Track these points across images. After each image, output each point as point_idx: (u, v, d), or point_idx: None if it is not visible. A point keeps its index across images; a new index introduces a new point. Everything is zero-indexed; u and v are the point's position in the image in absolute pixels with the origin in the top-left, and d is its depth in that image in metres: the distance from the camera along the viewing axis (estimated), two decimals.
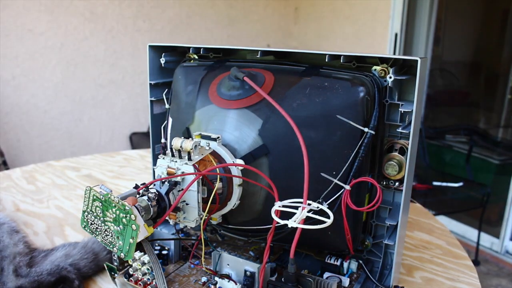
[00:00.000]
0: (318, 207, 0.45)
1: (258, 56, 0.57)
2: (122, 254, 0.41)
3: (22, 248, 0.58)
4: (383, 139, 0.54)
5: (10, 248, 0.57)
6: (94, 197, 0.41)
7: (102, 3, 2.46)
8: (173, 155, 0.46)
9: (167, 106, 0.64)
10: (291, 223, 0.42)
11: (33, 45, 2.33)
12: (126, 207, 0.39)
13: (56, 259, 0.58)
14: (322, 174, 0.49)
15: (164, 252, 0.59)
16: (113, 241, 0.41)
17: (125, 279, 0.54)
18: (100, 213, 0.41)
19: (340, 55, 0.52)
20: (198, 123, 0.55)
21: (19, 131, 2.41)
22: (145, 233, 0.40)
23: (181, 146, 0.45)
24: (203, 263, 0.55)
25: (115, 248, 0.41)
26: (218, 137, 0.50)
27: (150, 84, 0.65)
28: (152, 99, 0.66)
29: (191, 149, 0.45)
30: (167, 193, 0.44)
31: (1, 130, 2.32)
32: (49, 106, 2.46)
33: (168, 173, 0.45)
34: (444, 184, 2.11)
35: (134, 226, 0.39)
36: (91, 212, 0.42)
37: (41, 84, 2.41)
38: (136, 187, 0.44)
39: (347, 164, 0.49)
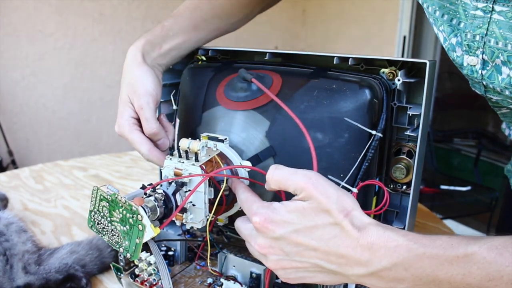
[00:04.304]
0: None
1: (266, 58, 0.57)
2: (128, 254, 0.41)
3: (30, 246, 0.59)
4: (391, 142, 0.54)
5: (19, 246, 0.58)
6: (101, 197, 0.41)
7: (111, 4, 2.48)
8: (180, 156, 0.46)
9: (174, 107, 0.64)
10: None
11: (43, 46, 2.35)
12: (133, 207, 0.39)
13: (62, 256, 0.59)
14: (329, 176, 0.48)
15: (170, 253, 0.60)
16: (119, 241, 0.42)
17: (131, 279, 0.54)
18: (107, 213, 0.41)
19: (348, 57, 0.51)
20: (206, 125, 0.55)
21: (28, 131, 2.43)
22: (151, 233, 0.40)
23: (188, 147, 0.45)
24: (209, 264, 0.54)
25: (121, 248, 0.42)
26: (226, 139, 0.50)
27: None
28: (160, 100, 0.66)
29: (199, 150, 0.45)
30: (174, 193, 0.44)
31: (10, 129, 2.35)
32: (58, 106, 2.48)
33: (175, 174, 0.45)
34: (452, 188, 2.09)
35: (140, 227, 0.40)
36: (98, 212, 0.42)
37: (50, 84, 2.43)
38: (143, 187, 0.44)
39: (354, 167, 0.48)
